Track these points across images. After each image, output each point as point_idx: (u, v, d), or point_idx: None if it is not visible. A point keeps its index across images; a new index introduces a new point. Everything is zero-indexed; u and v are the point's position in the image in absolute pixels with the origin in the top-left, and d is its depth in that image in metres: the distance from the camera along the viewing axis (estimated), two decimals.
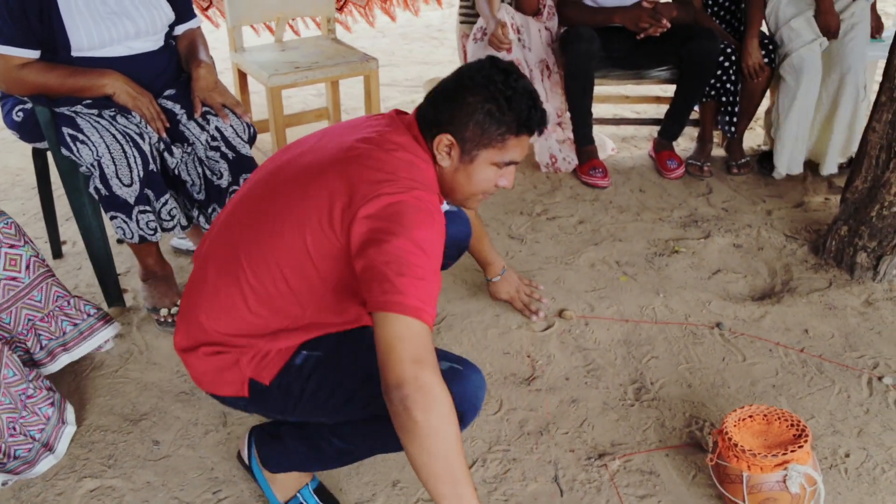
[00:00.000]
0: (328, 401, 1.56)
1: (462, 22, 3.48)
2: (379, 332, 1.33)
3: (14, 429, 1.81)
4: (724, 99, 3.33)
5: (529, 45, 3.22)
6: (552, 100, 3.32)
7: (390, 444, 1.43)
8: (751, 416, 1.78)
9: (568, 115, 3.35)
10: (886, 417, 2.06)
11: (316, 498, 1.77)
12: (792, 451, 1.65)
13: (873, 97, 2.66)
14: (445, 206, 1.83)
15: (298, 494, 1.76)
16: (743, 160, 3.40)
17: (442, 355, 1.54)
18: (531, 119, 1.54)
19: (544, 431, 2.03)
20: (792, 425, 1.74)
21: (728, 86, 3.29)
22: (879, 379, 2.19)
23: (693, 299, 2.53)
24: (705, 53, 3.11)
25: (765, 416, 1.78)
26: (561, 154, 3.36)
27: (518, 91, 1.52)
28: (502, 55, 3.06)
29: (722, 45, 3.19)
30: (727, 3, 3.41)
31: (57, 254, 2.80)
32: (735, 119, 3.37)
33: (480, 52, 3.13)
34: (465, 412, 1.47)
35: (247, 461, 1.80)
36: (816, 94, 3.14)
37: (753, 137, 3.72)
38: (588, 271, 2.71)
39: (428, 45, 5.38)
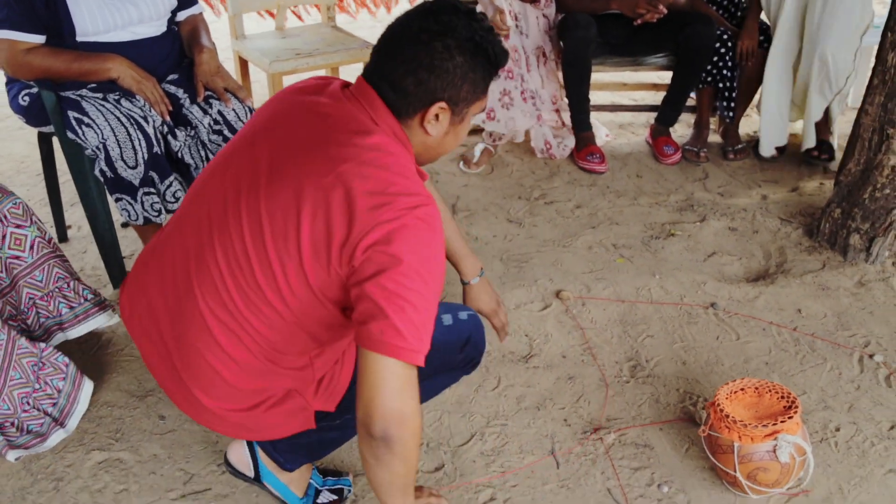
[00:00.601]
0: None
1: None
2: (369, 368, 1.28)
3: (28, 403, 1.85)
4: (720, 85, 3.37)
5: (527, 32, 3.25)
6: (548, 86, 3.35)
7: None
8: (742, 389, 1.82)
9: (564, 101, 3.38)
10: (877, 393, 2.11)
11: (321, 477, 1.81)
12: (782, 422, 1.70)
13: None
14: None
15: (311, 482, 1.78)
16: (739, 146, 3.44)
17: (455, 307, 1.73)
18: (504, 57, 1.45)
19: (541, 407, 2.08)
20: (782, 397, 1.79)
21: (724, 71, 3.33)
22: (871, 357, 2.23)
23: (688, 280, 2.58)
24: (702, 39, 3.15)
25: (756, 388, 1.82)
26: (555, 140, 3.40)
27: (491, 30, 1.41)
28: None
29: (719, 31, 3.22)
30: None
31: (62, 238, 2.84)
32: (732, 104, 3.40)
33: None
34: (478, 356, 1.75)
35: (251, 473, 1.74)
36: (783, 66, 3.20)
37: (750, 124, 3.76)
38: (585, 254, 2.75)
39: None
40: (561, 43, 3.30)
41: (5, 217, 1.97)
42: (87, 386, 2.01)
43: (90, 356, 2.25)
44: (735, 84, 3.34)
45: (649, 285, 2.56)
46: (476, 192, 3.19)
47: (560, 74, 3.35)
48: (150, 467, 1.89)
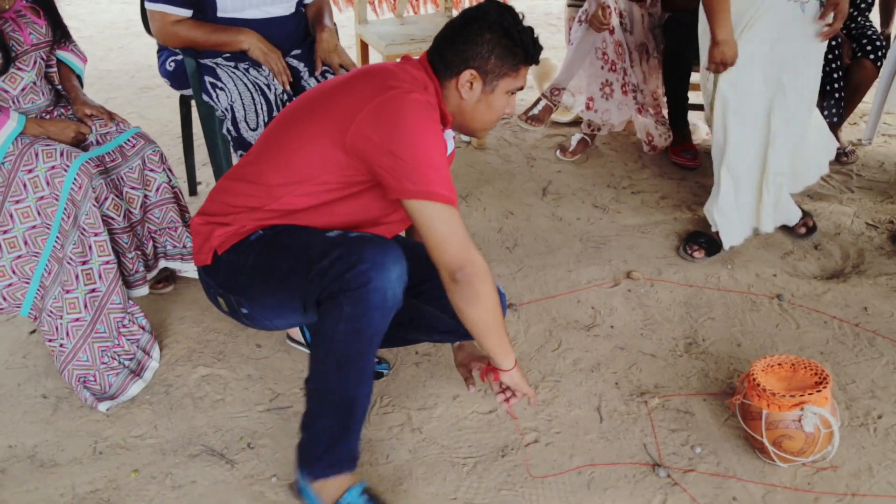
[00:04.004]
0: (264, 274, 1.72)
1: (570, 6, 3.69)
2: (423, 218, 1.63)
3: (106, 356, 2.13)
4: (826, 87, 3.38)
5: (631, 29, 3.39)
6: (650, 82, 3.48)
7: (348, 348, 1.65)
8: (779, 364, 1.94)
9: (663, 97, 3.50)
10: None
11: (364, 498, 1.75)
12: (809, 394, 1.81)
13: None
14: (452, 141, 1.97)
15: (346, 494, 1.73)
16: (850, 148, 3.45)
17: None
18: (536, 50, 1.78)
19: (595, 370, 2.25)
20: (816, 374, 1.89)
21: (833, 74, 3.34)
22: None
23: (759, 272, 2.67)
24: None
25: (792, 364, 1.93)
26: (657, 132, 3.51)
27: (524, 27, 1.76)
28: (602, 36, 3.26)
29: None
30: None
31: (192, 191, 3.22)
32: (836, 108, 3.41)
33: (582, 34, 3.33)
34: (359, 276, 1.63)
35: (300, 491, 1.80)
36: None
37: (855, 132, 3.75)
38: (662, 241, 2.88)
39: (545, 31, 5.59)
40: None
41: (144, 161, 2.33)
42: (157, 347, 2.28)
43: (201, 290, 2.58)
44: (830, 87, 3.35)
45: (719, 274, 2.67)
46: (568, 177, 3.36)
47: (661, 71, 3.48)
48: (244, 384, 2.20)
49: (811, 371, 1.90)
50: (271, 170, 1.74)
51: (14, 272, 2.12)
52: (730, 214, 2.69)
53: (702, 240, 2.78)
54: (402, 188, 1.63)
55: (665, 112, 3.55)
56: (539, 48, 1.80)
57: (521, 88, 1.83)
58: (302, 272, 1.66)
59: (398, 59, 1.86)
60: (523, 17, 1.79)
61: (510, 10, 1.77)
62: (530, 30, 1.78)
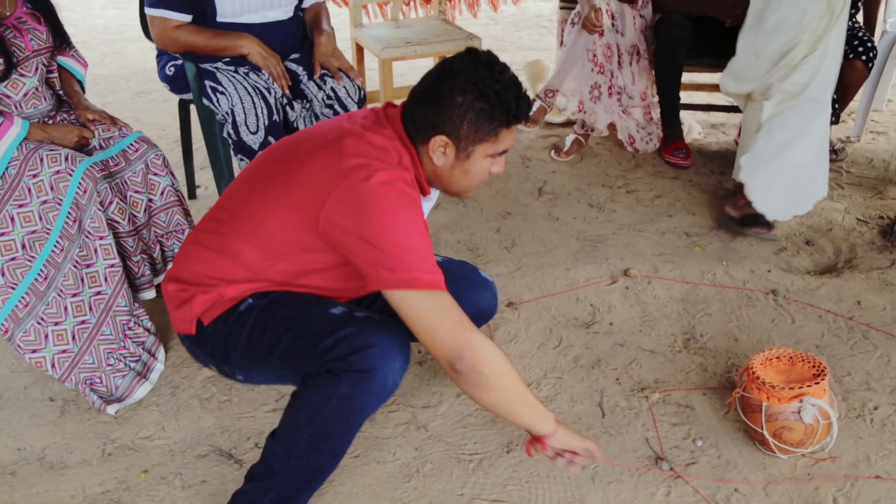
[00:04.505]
0: (262, 349, 1.63)
1: (562, 8, 3.73)
2: (407, 309, 1.51)
3: (112, 357, 2.15)
4: None
5: (623, 31, 3.43)
6: (638, 83, 3.52)
7: (330, 419, 1.58)
8: (778, 358, 1.98)
9: (655, 98, 3.54)
10: None
11: None
12: (808, 386, 1.85)
13: None
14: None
15: None
16: (838, 146, 3.51)
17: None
18: (520, 109, 1.59)
19: (595, 366, 2.28)
20: (814, 367, 1.93)
21: None
22: None
23: (754, 268, 2.71)
24: None
25: (790, 358, 1.97)
26: (639, 135, 3.56)
27: (504, 83, 1.56)
28: (594, 38, 3.31)
29: None
30: None
31: (191, 195, 3.24)
32: (833, 110, 3.46)
33: (575, 36, 3.37)
34: (362, 361, 1.56)
35: None
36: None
37: (843, 129, 3.80)
38: (658, 238, 2.92)
39: (536, 33, 5.64)
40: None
41: (147, 165, 2.35)
42: (161, 350, 2.29)
43: None
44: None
45: (715, 270, 2.71)
46: (563, 177, 3.40)
47: (653, 72, 3.52)
48: (249, 385, 2.22)
49: (809, 364, 1.94)
50: (246, 245, 1.64)
51: (2, 275, 2.09)
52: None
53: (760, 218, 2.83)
54: (381, 278, 1.51)
55: (656, 113, 3.60)
56: (525, 106, 1.61)
57: (507, 150, 1.66)
58: (303, 350, 1.59)
59: (378, 106, 1.74)
60: (505, 69, 1.59)
61: (489, 64, 1.58)
62: (514, 85, 1.58)
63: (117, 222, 2.20)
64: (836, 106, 3.45)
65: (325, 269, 1.68)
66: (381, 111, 1.70)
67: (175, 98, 2.98)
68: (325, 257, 1.64)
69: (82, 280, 2.10)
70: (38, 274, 2.09)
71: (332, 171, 1.55)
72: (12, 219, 2.08)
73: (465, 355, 1.51)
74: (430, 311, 1.51)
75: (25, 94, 2.27)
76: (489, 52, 1.62)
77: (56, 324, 2.10)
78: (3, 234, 2.09)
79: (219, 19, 2.64)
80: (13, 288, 2.08)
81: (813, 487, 1.87)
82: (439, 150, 1.62)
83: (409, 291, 1.50)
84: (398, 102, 1.72)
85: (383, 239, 1.50)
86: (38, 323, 2.10)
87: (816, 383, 1.86)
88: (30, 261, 2.09)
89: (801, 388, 1.85)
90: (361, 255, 1.52)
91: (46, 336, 2.10)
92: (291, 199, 1.60)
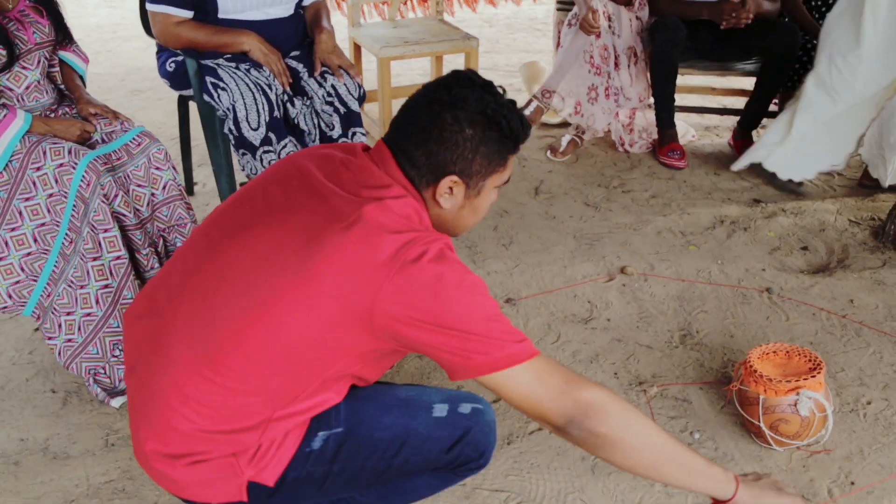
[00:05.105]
0: (360, 477, 1.46)
1: (559, 9, 3.77)
2: (510, 392, 1.32)
3: (118, 349, 2.16)
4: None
5: (619, 33, 3.47)
6: (636, 85, 3.57)
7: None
8: (774, 352, 2.01)
9: (650, 100, 3.59)
10: None
11: None
12: (804, 380, 1.88)
13: None
14: None
15: None
16: None
17: (459, 397, 1.53)
18: (526, 131, 1.44)
19: (594, 360, 2.31)
20: (809, 360, 1.97)
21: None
22: None
23: (749, 267, 2.75)
24: (785, 47, 3.30)
25: (787, 352, 2.01)
26: (628, 137, 3.62)
27: (507, 105, 1.40)
28: (591, 39, 3.34)
29: (807, 38, 3.36)
30: None
31: (189, 191, 3.25)
32: None
33: (572, 37, 3.41)
34: (477, 459, 1.51)
35: None
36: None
37: None
38: (654, 237, 2.96)
39: (531, 36, 5.68)
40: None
41: (150, 159, 2.36)
42: None
43: None
44: None
45: (710, 269, 2.75)
46: (559, 177, 3.43)
47: (648, 74, 3.57)
48: None
49: (805, 358, 1.98)
50: (253, 367, 1.30)
51: (23, 269, 2.14)
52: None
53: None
54: (474, 365, 1.30)
55: (641, 116, 3.66)
56: (528, 127, 1.44)
57: (509, 180, 1.49)
58: (420, 466, 1.48)
59: (345, 142, 1.58)
60: (503, 91, 1.44)
61: (489, 86, 1.40)
62: (514, 106, 1.42)
63: (124, 215, 2.20)
64: None
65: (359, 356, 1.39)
66: (365, 159, 1.42)
67: (170, 96, 3.00)
68: (368, 354, 1.37)
69: (88, 273, 2.11)
70: (55, 265, 2.12)
71: (367, 257, 1.26)
72: (20, 213, 2.09)
73: (575, 417, 1.33)
74: (531, 384, 1.32)
75: (27, 88, 2.28)
76: (475, 73, 1.43)
77: (68, 314, 2.12)
78: (14, 230, 2.10)
79: (220, 16, 2.65)
80: (35, 280, 2.13)
81: (808, 479, 1.90)
82: (446, 191, 1.40)
83: (507, 371, 1.31)
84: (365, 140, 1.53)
85: (464, 322, 1.28)
86: (53, 312, 2.12)
87: (813, 377, 1.89)
88: (45, 253, 2.12)
89: (797, 381, 1.88)
90: (444, 346, 1.29)
91: (60, 325, 2.13)
92: (311, 295, 1.28)
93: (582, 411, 1.32)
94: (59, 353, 2.13)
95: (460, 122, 1.36)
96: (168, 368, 1.33)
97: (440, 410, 1.48)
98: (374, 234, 1.27)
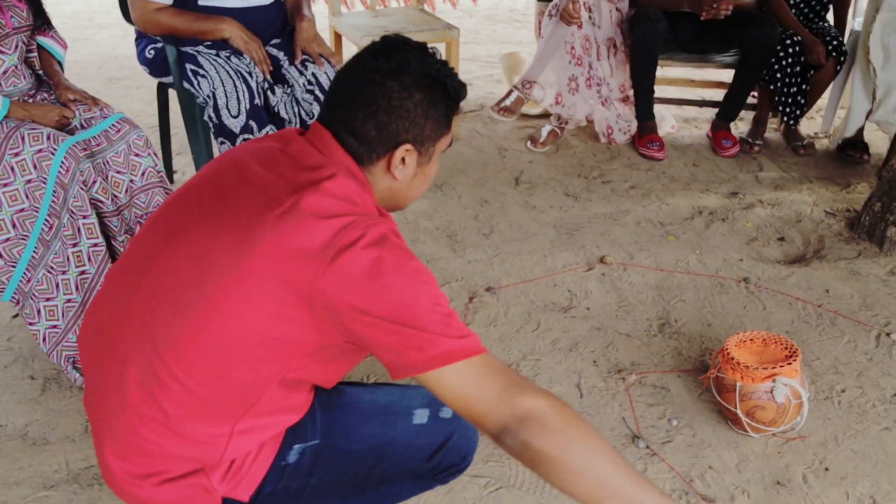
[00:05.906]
0: (338, 489, 1.43)
1: (540, 0, 3.77)
2: (443, 392, 1.19)
3: None
4: (780, 86, 3.51)
5: (599, 24, 3.49)
6: (616, 76, 3.59)
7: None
8: (751, 340, 2.04)
9: (630, 91, 3.61)
10: (887, 365, 2.28)
11: None
12: (780, 367, 1.91)
13: None
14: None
15: None
16: (807, 141, 3.60)
17: (439, 402, 1.36)
18: (464, 90, 1.38)
19: (573, 349, 2.33)
20: (786, 348, 2.00)
21: (788, 76, 3.47)
22: (888, 335, 2.40)
23: (727, 258, 2.78)
24: (763, 39, 3.33)
25: (763, 340, 2.04)
26: (617, 125, 3.63)
27: (446, 65, 1.35)
28: (572, 30, 3.36)
29: (786, 34, 3.39)
30: None
31: (169, 179, 3.22)
32: (790, 108, 3.54)
33: (553, 27, 3.42)
34: (458, 464, 1.49)
35: None
36: None
37: (812, 125, 3.90)
38: (633, 227, 2.98)
39: (511, 27, 5.69)
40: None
41: (129, 146, 2.34)
42: None
43: None
44: (796, 89, 3.48)
45: (688, 259, 2.78)
46: (539, 168, 3.45)
47: (628, 65, 3.58)
48: None
49: (781, 345, 2.01)
50: (207, 375, 1.23)
51: (1, 255, 2.11)
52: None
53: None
54: (407, 363, 1.19)
55: (632, 106, 3.67)
56: (462, 85, 1.38)
57: (451, 143, 1.44)
58: (401, 475, 1.45)
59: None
60: (435, 51, 1.37)
61: (424, 48, 1.34)
62: (447, 64, 1.36)
63: (101, 202, 2.19)
64: (804, 106, 3.55)
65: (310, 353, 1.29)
66: (302, 142, 1.34)
67: (149, 85, 2.99)
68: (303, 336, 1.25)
69: (68, 259, 2.09)
70: (34, 251, 2.10)
71: (302, 246, 1.19)
72: None
73: (510, 427, 1.16)
74: (465, 386, 1.18)
75: (5, 72, 2.25)
76: (405, 37, 1.36)
77: (48, 300, 2.10)
78: None
79: (200, 3, 2.63)
80: (13, 266, 2.11)
81: (783, 465, 1.93)
82: (400, 161, 1.33)
83: (441, 369, 1.17)
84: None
85: (400, 311, 1.17)
86: (32, 298, 2.11)
87: (789, 364, 1.92)
88: (23, 239, 2.09)
89: (774, 368, 1.91)
90: (380, 341, 1.19)
91: (39, 311, 2.11)
92: (250, 291, 1.20)
93: (518, 420, 1.15)
94: (44, 339, 2.12)
95: (408, 88, 1.29)
96: (121, 388, 1.26)
97: (420, 416, 1.43)
98: (308, 221, 1.20)
